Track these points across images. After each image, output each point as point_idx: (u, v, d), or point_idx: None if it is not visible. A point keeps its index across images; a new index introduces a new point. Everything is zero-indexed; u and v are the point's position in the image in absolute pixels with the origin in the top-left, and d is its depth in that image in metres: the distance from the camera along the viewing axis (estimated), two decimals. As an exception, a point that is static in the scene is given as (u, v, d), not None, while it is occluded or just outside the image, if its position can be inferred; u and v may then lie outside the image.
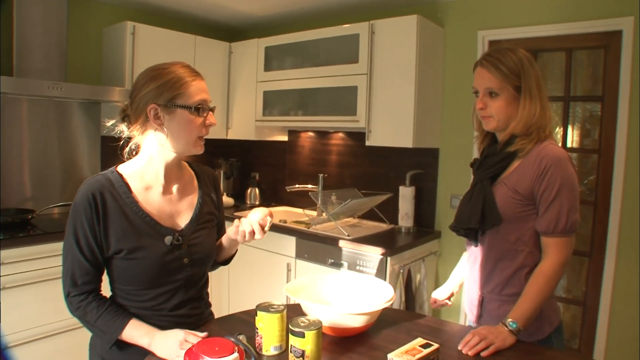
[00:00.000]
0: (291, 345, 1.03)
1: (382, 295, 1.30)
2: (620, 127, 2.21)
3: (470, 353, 1.15)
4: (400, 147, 2.62)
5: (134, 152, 1.22)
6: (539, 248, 1.31)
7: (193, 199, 1.27)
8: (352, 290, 1.40)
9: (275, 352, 1.12)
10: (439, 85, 2.73)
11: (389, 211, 2.86)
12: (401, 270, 2.41)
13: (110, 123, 1.21)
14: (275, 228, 2.78)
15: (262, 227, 1.23)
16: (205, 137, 1.19)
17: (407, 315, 1.47)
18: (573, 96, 2.41)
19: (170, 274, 1.17)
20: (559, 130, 2.44)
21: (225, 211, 1.44)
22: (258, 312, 1.12)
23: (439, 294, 1.60)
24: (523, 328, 1.22)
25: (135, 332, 1.11)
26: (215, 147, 3.50)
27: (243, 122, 3.35)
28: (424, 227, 2.82)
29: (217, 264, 1.40)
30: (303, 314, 1.19)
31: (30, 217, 2.47)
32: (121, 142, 1.21)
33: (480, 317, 1.40)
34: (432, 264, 2.74)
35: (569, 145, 2.45)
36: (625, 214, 2.22)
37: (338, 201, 2.76)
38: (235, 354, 0.94)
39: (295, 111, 3.05)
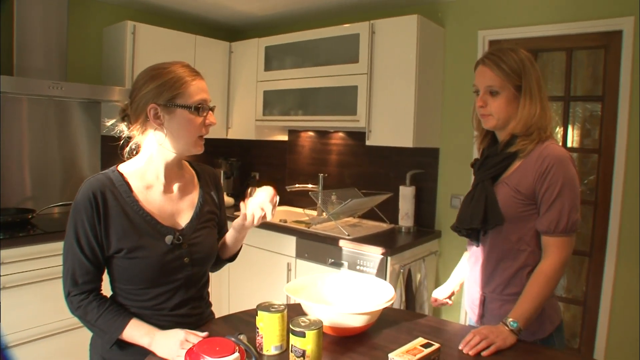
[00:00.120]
0: (292, 345, 1.03)
1: (382, 294, 1.30)
2: (621, 127, 2.21)
3: (471, 353, 1.15)
4: (400, 146, 2.62)
5: (134, 152, 1.22)
6: (540, 247, 1.31)
7: (194, 198, 1.27)
8: (353, 290, 1.40)
9: (276, 352, 1.12)
10: (439, 85, 2.73)
11: (389, 211, 2.86)
12: (401, 270, 2.41)
13: (110, 123, 1.20)
14: (275, 228, 2.78)
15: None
16: (205, 136, 1.19)
17: (407, 315, 1.47)
18: (573, 96, 2.41)
19: (171, 273, 1.17)
20: (559, 130, 2.44)
21: (226, 210, 1.44)
22: (259, 312, 1.12)
23: (440, 293, 1.60)
24: (524, 327, 1.22)
25: (136, 332, 1.11)
26: (216, 146, 3.50)
27: (243, 122, 3.34)
28: (424, 227, 2.82)
29: (223, 261, 1.40)
30: (304, 314, 1.19)
31: (30, 216, 2.47)
32: (121, 142, 1.21)
33: (482, 316, 1.41)
34: (432, 263, 2.74)
35: (569, 145, 2.45)
36: (625, 214, 2.22)
37: (338, 201, 2.76)
38: (236, 354, 0.94)
39: (296, 111, 3.04)
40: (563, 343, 1.39)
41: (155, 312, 1.17)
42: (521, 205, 1.30)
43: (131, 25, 2.80)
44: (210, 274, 1.34)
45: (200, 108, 1.14)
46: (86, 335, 1.21)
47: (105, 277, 1.18)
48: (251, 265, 2.90)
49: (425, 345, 1.05)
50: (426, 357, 1.02)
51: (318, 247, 2.58)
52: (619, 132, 2.22)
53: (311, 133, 3.38)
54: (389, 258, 2.33)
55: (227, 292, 3.10)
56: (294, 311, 1.28)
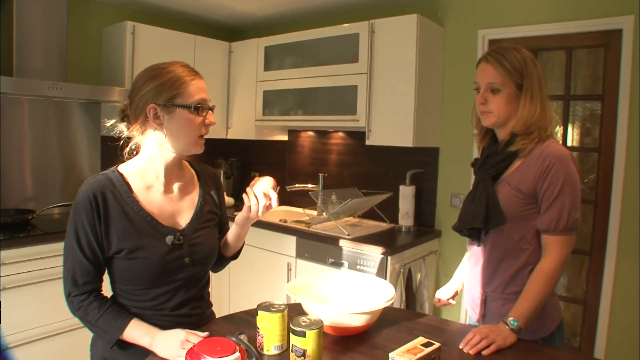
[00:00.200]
0: (292, 345, 1.03)
1: (382, 294, 1.30)
2: (621, 126, 2.21)
3: (471, 352, 1.15)
4: (400, 146, 2.62)
5: (134, 152, 1.21)
6: (541, 246, 1.31)
7: (194, 198, 1.26)
8: (353, 289, 1.40)
9: (277, 352, 1.12)
10: (439, 84, 2.73)
11: (389, 210, 2.86)
12: (402, 270, 2.41)
13: (109, 123, 1.20)
14: (275, 228, 2.78)
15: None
16: (205, 136, 1.19)
17: (408, 315, 1.47)
18: (573, 95, 2.41)
19: (171, 273, 1.17)
20: (559, 129, 2.44)
21: (226, 210, 1.45)
22: (259, 312, 1.12)
23: (443, 294, 1.60)
24: (524, 326, 1.22)
25: (137, 332, 1.11)
26: (215, 146, 3.49)
27: (243, 122, 3.34)
28: (424, 227, 2.82)
29: (226, 259, 1.40)
30: (304, 314, 1.19)
31: (30, 217, 2.47)
32: (121, 142, 1.21)
33: (484, 316, 1.41)
34: (432, 263, 2.74)
35: (569, 144, 2.45)
36: (625, 213, 2.22)
37: (338, 200, 2.76)
38: (237, 354, 0.94)
39: (295, 111, 3.04)
40: (564, 341, 1.39)
41: (156, 312, 1.17)
42: (522, 204, 1.30)
43: (131, 25, 2.80)
44: (210, 273, 1.34)
45: (199, 108, 1.14)
46: (87, 335, 1.21)
47: (106, 278, 1.18)
48: (251, 265, 2.89)
49: (426, 345, 1.05)
50: (427, 357, 1.02)
51: (318, 247, 2.58)
52: (619, 131, 2.22)
53: (311, 133, 3.38)
54: (389, 257, 2.33)
55: (227, 292, 3.10)
56: (295, 311, 1.28)
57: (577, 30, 2.29)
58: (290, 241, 2.70)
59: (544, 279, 1.25)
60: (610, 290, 2.26)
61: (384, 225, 2.84)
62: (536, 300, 1.23)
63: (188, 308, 1.22)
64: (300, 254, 2.67)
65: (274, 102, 3.16)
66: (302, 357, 1.01)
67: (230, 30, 3.74)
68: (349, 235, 2.51)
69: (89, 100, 2.81)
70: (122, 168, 1.19)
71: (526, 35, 2.43)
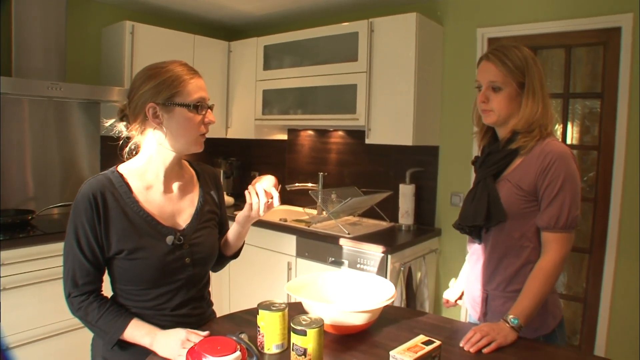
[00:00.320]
0: (293, 344, 1.03)
1: (383, 292, 1.30)
2: (620, 124, 2.21)
3: (472, 350, 1.15)
4: (400, 145, 2.62)
5: (134, 152, 1.21)
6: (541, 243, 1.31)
7: (194, 198, 1.26)
8: (353, 288, 1.40)
9: (277, 351, 1.12)
10: (438, 83, 2.73)
11: (389, 209, 2.86)
12: (402, 268, 2.41)
13: (108, 123, 1.20)
14: (275, 227, 2.78)
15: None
16: (205, 136, 1.19)
17: (408, 313, 1.47)
18: (572, 93, 2.41)
19: (172, 273, 1.17)
20: (558, 127, 2.44)
21: (226, 210, 1.45)
22: (259, 311, 1.12)
23: (451, 295, 1.60)
24: (524, 324, 1.22)
25: (137, 332, 1.11)
26: (215, 146, 3.49)
27: (242, 121, 3.34)
28: (424, 225, 2.82)
29: (227, 259, 1.39)
30: (304, 312, 1.19)
31: (30, 217, 2.46)
32: (120, 142, 1.21)
33: (485, 314, 1.41)
34: (432, 261, 2.75)
35: (568, 142, 2.45)
36: (625, 211, 2.22)
37: (338, 199, 2.76)
38: (238, 353, 0.94)
39: (295, 110, 3.04)
40: (564, 339, 1.39)
41: (157, 312, 1.17)
42: (523, 202, 1.31)
43: (130, 25, 2.79)
44: (210, 273, 1.34)
45: (199, 106, 1.14)
46: (87, 335, 1.21)
47: (106, 278, 1.18)
48: (252, 265, 2.90)
49: (427, 343, 1.05)
50: (427, 355, 1.02)
51: (318, 246, 2.58)
52: (618, 129, 2.22)
53: (311, 132, 3.38)
54: (389, 256, 2.33)
55: (227, 291, 3.11)
56: (295, 310, 1.28)
57: (576, 28, 2.29)
58: (291, 240, 2.70)
59: (544, 277, 1.25)
60: (610, 288, 2.26)
61: (384, 224, 2.84)
62: (536, 298, 1.24)
63: (188, 308, 1.22)
64: (301, 253, 2.67)
65: (273, 101, 3.16)
66: (303, 356, 1.02)
67: (230, 30, 3.74)
68: (349, 234, 2.51)
69: (88, 100, 2.80)
70: (122, 168, 1.18)
71: (525, 34, 2.43)
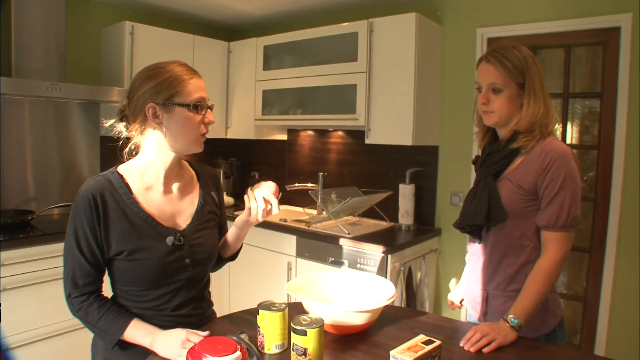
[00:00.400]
0: (293, 344, 1.03)
1: (383, 292, 1.30)
2: (619, 123, 2.21)
3: (472, 349, 1.15)
4: (399, 145, 2.62)
5: (134, 153, 1.21)
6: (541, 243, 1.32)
7: (194, 199, 1.26)
8: (354, 288, 1.40)
9: (278, 351, 1.12)
10: (438, 82, 2.73)
11: (389, 209, 2.86)
12: (402, 268, 2.41)
13: (108, 123, 1.20)
14: (275, 227, 2.78)
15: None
16: (205, 136, 1.19)
17: (408, 313, 1.47)
18: (572, 93, 2.41)
19: (172, 274, 1.17)
20: (558, 127, 2.44)
21: (226, 210, 1.44)
22: (260, 311, 1.12)
23: (456, 297, 1.60)
24: (524, 324, 1.22)
25: (137, 332, 1.11)
26: (215, 146, 3.49)
27: (242, 121, 3.34)
28: (424, 225, 2.82)
29: (224, 260, 1.40)
30: (305, 312, 1.19)
31: (30, 218, 2.46)
32: (120, 143, 1.21)
33: (485, 314, 1.41)
34: (432, 261, 2.75)
35: (568, 141, 2.45)
36: (625, 210, 2.22)
37: (338, 199, 2.76)
38: (238, 353, 0.94)
39: (295, 110, 3.04)
40: (564, 338, 1.39)
41: (157, 313, 1.17)
42: (524, 201, 1.31)
43: (129, 25, 2.79)
44: (210, 273, 1.34)
45: (198, 106, 1.14)
46: (87, 336, 1.21)
47: (106, 279, 1.18)
48: (252, 265, 2.90)
49: (427, 342, 1.05)
50: (428, 354, 1.02)
51: (318, 246, 2.58)
52: (618, 129, 2.22)
53: (310, 132, 3.38)
54: (389, 256, 2.33)
55: (227, 291, 3.11)
56: (295, 310, 1.28)
57: (576, 28, 2.29)
58: (291, 240, 2.70)
59: (544, 276, 1.25)
60: (610, 288, 2.26)
61: (384, 224, 2.84)
62: (536, 297, 1.24)
63: (189, 308, 1.22)
64: (301, 253, 2.67)
65: (273, 101, 3.16)
66: (303, 356, 1.02)
67: (229, 30, 3.74)
68: (349, 234, 2.51)
69: (88, 101, 2.80)
70: (122, 169, 1.18)
71: (525, 34, 2.44)
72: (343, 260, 2.49)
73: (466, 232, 1.44)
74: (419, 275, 2.57)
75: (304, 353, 1.01)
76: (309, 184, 3.12)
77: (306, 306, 1.24)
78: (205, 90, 1.17)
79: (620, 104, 2.20)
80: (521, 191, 1.30)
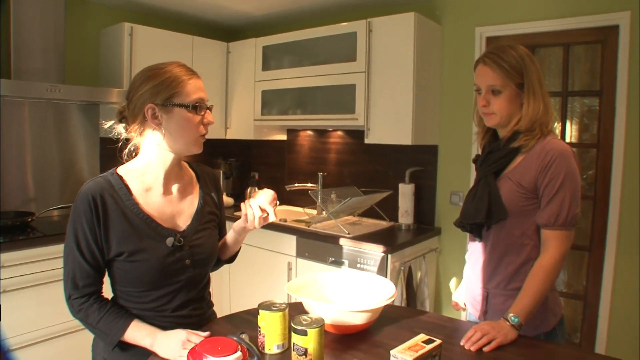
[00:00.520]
0: (294, 344, 1.03)
1: (383, 292, 1.30)
2: (619, 122, 2.22)
3: (472, 348, 1.15)
4: (399, 144, 2.62)
5: (133, 154, 1.21)
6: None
7: (194, 200, 1.26)
8: (354, 287, 1.40)
9: (278, 351, 1.12)
10: (437, 82, 2.73)
11: (388, 209, 2.86)
12: (402, 268, 2.41)
13: (107, 125, 1.20)
14: (275, 227, 2.78)
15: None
16: (204, 136, 1.19)
17: (408, 312, 1.47)
18: (571, 91, 2.41)
19: (172, 275, 1.17)
20: (557, 125, 2.44)
21: (225, 211, 1.44)
22: (260, 311, 1.12)
23: (461, 298, 1.61)
24: (524, 322, 1.22)
25: (138, 333, 1.11)
26: (214, 147, 3.49)
27: (242, 122, 3.34)
28: (424, 224, 2.82)
29: (222, 262, 1.40)
30: (305, 312, 1.19)
31: (29, 219, 2.46)
32: (120, 144, 1.21)
33: (485, 313, 1.41)
34: (432, 260, 2.75)
35: (567, 140, 2.45)
36: (624, 208, 2.23)
37: (338, 199, 2.76)
38: (238, 353, 0.94)
39: (294, 110, 3.04)
40: (565, 337, 1.39)
41: (157, 313, 1.17)
42: (524, 200, 1.31)
43: (128, 26, 2.79)
44: (210, 274, 1.34)
45: (198, 107, 1.14)
46: (88, 337, 1.21)
47: (106, 280, 1.18)
48: (252, 265, 2.90)
49: (427, 342, 1.05)
50: (428, 353, 1.02)
51: (318, 246, 2.58)
52: (617, 127, 2.22)
53: (310, 132, 3.38)
54: (389, 256, 2.33)
55: (228, 292, 3.11)
56: (296, 310, 1.28)
57: (574, 26, 2.29)
58: (291, 240, 2.71)
59: (544, 275, 1.25)
60: (610, 286, 2.27)
61: (384, 224, 2.84)
62: (536, 296, 1.24)
63: (189, 309, 1.22)
64: (301, 253, 2.67)
65: (272, 101, 3.16)
66: (304, 356, 1.02)
67: (228, 31, 3.74)
68: (349, 234, 2.51)
69: (87, 102, 2.80)
70: (121, 170, 1.18)
71: (523, 32, 2.44)
72: (343, 260, 2.49)
73: (467, 231, 1.44)
74: (419, 274, 2.57)
75: (305, 353, 1.01)
76: (309, 184, 3.12)
77: (306, 306, 1.24)
78: (205, 91, 1.17)
79: (619, 102, 2.21)
80: (521, 190, 1.31)
